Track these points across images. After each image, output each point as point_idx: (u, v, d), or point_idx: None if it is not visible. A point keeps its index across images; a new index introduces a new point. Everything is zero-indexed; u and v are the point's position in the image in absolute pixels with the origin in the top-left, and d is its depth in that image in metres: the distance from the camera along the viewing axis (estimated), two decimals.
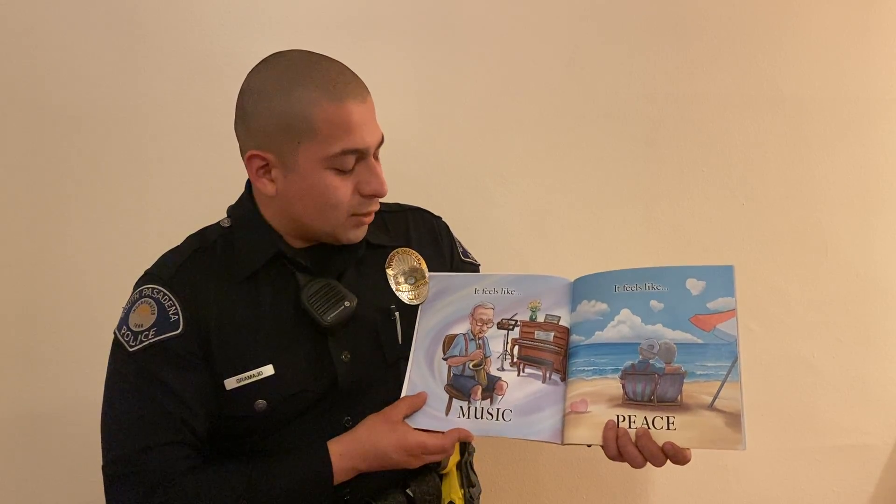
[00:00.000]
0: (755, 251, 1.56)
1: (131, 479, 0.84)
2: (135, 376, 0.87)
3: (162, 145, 1.36)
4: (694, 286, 0.88)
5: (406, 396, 0.93)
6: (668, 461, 0.82)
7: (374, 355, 0.96)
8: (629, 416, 0.84)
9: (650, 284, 0.90)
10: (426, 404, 0.92)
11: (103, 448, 0.87)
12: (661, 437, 0.82)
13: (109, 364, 0.90)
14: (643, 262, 1.51)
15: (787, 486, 1.62)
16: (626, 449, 0.82)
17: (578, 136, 1.49)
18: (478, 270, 1.12)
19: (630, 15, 1.48)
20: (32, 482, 1.37)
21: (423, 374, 0.94)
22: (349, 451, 0.89)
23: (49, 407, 1.36)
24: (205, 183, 1.36)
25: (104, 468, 0.86)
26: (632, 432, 0.83)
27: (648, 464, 0.83)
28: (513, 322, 0.95)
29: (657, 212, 1.53)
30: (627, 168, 1.51)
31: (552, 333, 0.93)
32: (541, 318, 0.94)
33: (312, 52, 0.90)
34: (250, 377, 0.90)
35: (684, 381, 0.84)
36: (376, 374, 0.96)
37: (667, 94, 1.50)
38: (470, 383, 0.92)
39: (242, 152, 0.91)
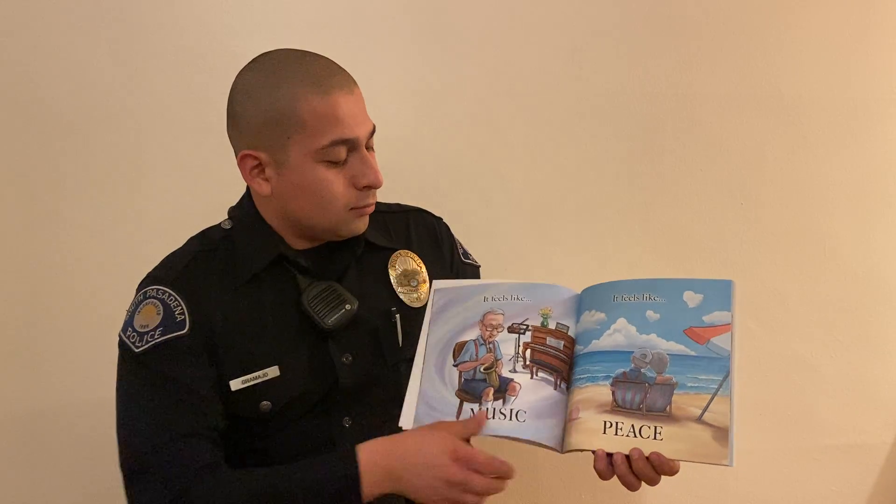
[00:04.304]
0: (754, 251, 1.56)
1: (152, 474, 0.83)
2: (145, 375, 0.87)
3: (160, 145, 1.36)
4: (691, 299, 0.87)
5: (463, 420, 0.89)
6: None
7: (374, 357, 0.96)
8: (616, 423, 0.83)
9: (648, 295, 0.89)
10: (436, 409, 0.90)
11: (120, 447, 0.87)
12: (647, 446, 0.81)
13: (118, 370, 0.90)
14: (642, 261, 1.53)
15: (785, 486, 1.62)
16: (626, 479, 0.81)
17: (577, 135, 1.49)
18: (478, 271, 1.12)
19: (629, 14, 1.47)
20: (32, 482, 1.37)
21: (434, 383, 0.92)
22: (383, 449, 0.84)
23: (49, 407, 1.36)
24: (204, 183, 1.36)
25: (122, 465, 0.86)
26: (623, 451, 0.81)
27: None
28: (524, 326, 0.93)
29: (656, 211, 1.53)
30: (626, 167, 1.51)
31: (562, 342, 0.92)
32: (552, 326, 0.93)
33: (298, 49, 0.90)
34: (255, 378, 0.90)
35: (674, 392, 0.83)
36: (377, 376, 0.96)
37: (666, 93, 1.50)
38: (481, 386, 0.90)
39: (236, 154, 0.91)
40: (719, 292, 0.87)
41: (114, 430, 1.35)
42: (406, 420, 0.90)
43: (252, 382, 0.90)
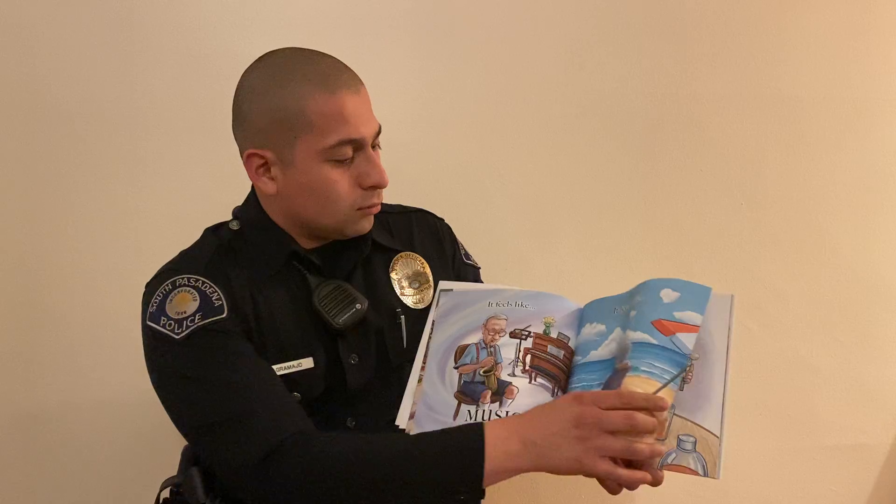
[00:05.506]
0: (754, 251, 1.56)
1: (243, 424, 0.79)
2: (197, 354, 0.84)
3: (162, 146, 1.36)
4: (667, 295, 0.87)
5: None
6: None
7: (379, 358, 0.96)
8: None
9: (636, 298, 0.89)
10: (434, 410, 0.88)
11: (203, 413, 0.82)
12: None
13: (155, 359, 0.87)
14: (642, 261, 1.53)
15: (785, 486, 1.62)
16: (606, 482, 0.79)
17: (578, 135, 1.49)
18: (479, 273, 1.12)
19: (630, 15, 1.47)
20: (32, 482, 1.37)
21: (434, 384, 0.92)
22: (511, 419, 0.80)
23: (49, 407, 1.36)
24: (206, 184, 1.36)
25: (193, 422, 0.83)
26: None
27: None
28: (526, 332, 0.93)
29: (656, 211, 1.53)
30: (627, 168, 1.51)
31: (562, 352, 0.91)
32: (554, 335, 0.93)
33: (304, 49, 0.90)
34: (290, 367, 0.89)
35: (627, 374, 0.81)
36: (381, 377, 0.96)
37: (667, 94, 1.50)
38: (480, 388, 0.90)
39: (241, 153, 0.91)
40: (697, 296, 0.86)
41: (115, 430, 1.37)
42: (402, 419, 0.90)
43: (286, 371, 0.89)
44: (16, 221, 1.33)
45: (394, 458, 0.78)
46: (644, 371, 0.80)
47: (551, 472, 0.77)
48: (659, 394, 0.77)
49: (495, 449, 0.77)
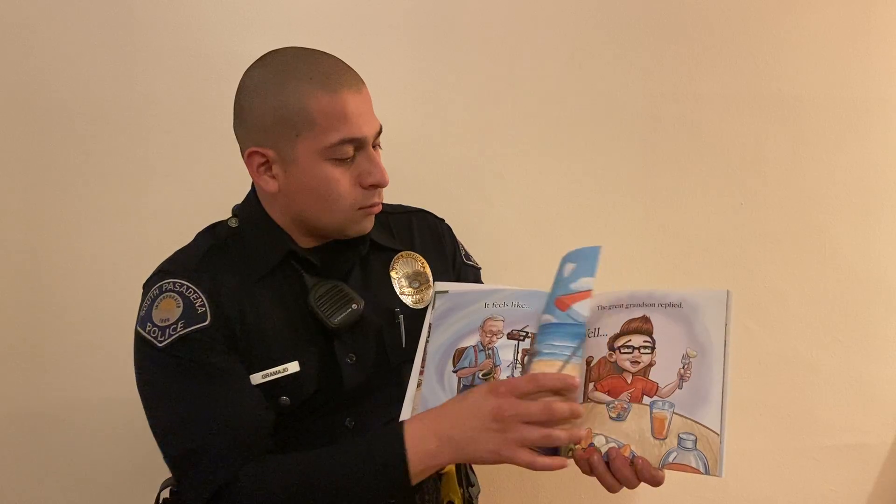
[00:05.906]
0: (754, 251, 1.56)
1: (202, 457, 0.82)
2: (176, 366, 0.85)
3: (161, 145, 1.36)
4: (567, 269, 0.87)
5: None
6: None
7: (378, 358, 0.96)
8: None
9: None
10: None
11: (162, 435, 0.86)
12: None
13: (141, 365, 0.89)
14: (642, 261, 1.54)
15: (785, 485, 1.62)
16: (604, 479, 0.79)
17: (578, 135, 1.49)
18: (479, 273, 1.12)
19: (630, 14, 1.48)
20: (33, 481, 1.37)
21: (433, 388, 0.91)
22: (428, 415, 0.82)
23: (50, 406, 1.36)
24: (205, 182, 1.36)
25: (168, 452, 0.85)
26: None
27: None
28: (523, 333, 0.92)
29: (656, 212, 1.53)
30: (627, 168, 1.51)
31: None
32: None
33: (306, 48, 0.90)
34: (276, 373, 0.90)
35: (533, 360, 0.81)
36: (379, 377, 0.96)
37: (667, 94, 1.50)
38: None
39: (242, 151, 0.91)
40: (588, 260, 0.87)
41: (116, 429, 1.37)
42: None
43: (273, 377, 0.89)
44: (16, 221, 1.33)
45: (321, 483, 0.81)
46: (545, 353, 0.81)
47: (472, 463, 0.81)
48: (566, 368, 0.78)
49: (416, 451, 0.80)
